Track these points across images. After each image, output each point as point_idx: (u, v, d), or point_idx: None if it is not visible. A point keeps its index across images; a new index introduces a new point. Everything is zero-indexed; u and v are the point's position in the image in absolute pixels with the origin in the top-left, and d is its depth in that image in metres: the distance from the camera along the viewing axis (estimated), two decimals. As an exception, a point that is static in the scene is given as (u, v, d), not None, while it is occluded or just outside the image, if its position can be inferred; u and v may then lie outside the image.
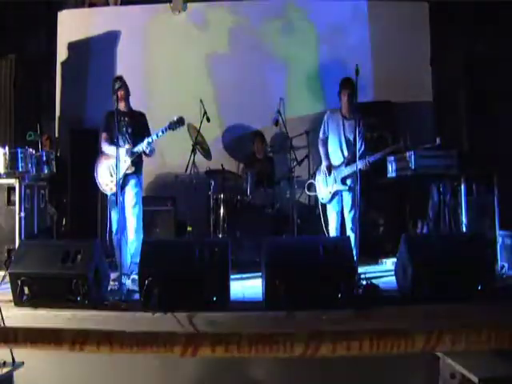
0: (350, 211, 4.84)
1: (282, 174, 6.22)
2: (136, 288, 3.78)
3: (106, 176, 4.69)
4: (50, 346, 2.02)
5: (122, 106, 4.67)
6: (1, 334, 2.14)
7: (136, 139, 4.69)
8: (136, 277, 4.06)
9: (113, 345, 1.95)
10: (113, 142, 4.64)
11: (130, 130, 4.73)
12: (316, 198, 5.76)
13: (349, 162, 4.83)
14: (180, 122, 4.62)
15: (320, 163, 5.18)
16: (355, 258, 3.95)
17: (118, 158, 4.22)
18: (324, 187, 5.03)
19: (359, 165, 4.49)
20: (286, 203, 6.01)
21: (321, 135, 5.11)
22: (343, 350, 1.88)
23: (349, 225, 4.88)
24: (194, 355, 1.92)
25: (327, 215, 5.07)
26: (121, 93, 4.60)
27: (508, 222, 4.76)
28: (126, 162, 4.60)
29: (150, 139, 4.61)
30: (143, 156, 4.80)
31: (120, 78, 4.74)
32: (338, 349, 1.89)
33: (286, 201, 6.08)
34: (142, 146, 4.62)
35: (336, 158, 4.98)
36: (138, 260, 4.36)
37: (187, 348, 1.91)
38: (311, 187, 5.36)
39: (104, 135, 4.78)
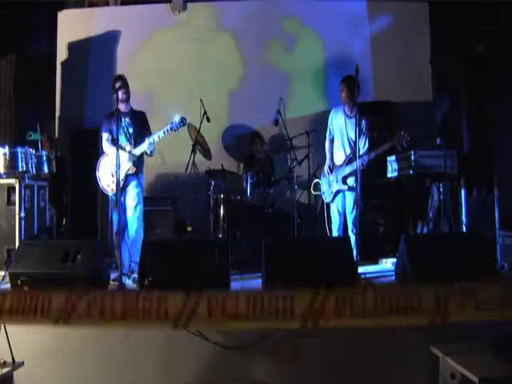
0: (352, 211, 4.84)
1: (282, 174, 6.21)
2: (135, 287, 3.78)
3: (107, 177, 4.69)
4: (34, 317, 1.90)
5: (122, 105, 4.67)
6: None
7: (137, 139, 4.70)
8: (136, 276, 4.07)
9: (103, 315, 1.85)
10: (114, 142, 4.66)
11: (130, 131, 4.74)
12: (316, 197, 5.77)
13: (350, 161, 4.84)
14: (181, 122, 4.61)
15: (324, 163, 5.21)
16: (355, 258, 3.95)
17: (118, 159, 4.22)
18: (327, 187, 5.06)
19: (358, 164, 4.50)
20: (286, 203, 6.00)
21: (327, 135, 5.14)
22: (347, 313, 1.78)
23: (350, 225, 4.89)
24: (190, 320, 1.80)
25: (330, 215, 5.09)
26: (121, 93, 4.60)
27: (508, 222, 4.76)
28: (127, 164, 4.61)
29: (151, 139, 4.61)
30: (144, 156, 4.81)
31: (121, 78, 4.73)
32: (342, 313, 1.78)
33: (286, 201, 6.08)
34: (143, 147, 4.63)
35: (339, 157, 5.01)
36: (138, 260, 4.39)
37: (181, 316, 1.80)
38: (316, 186, 5.37)
39: (105, 136, 4.79)
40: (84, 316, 1.77)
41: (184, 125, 4.66)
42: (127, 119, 4.76)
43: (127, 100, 4.76)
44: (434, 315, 1.79)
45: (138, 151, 4.65)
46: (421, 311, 1.78)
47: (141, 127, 4.78)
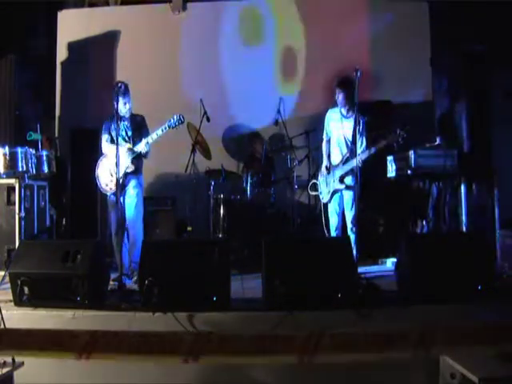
0: (350, 210, 4.84)
1: (282, 174, 6.21)
2: (136, 288, 3.78)
3: (105, 176, 4.70)
4: (53, 352, 2.03)
5: (122, 110, 4.67)
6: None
7: (135, 141, 4.72)
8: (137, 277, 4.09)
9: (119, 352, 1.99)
10: (113, 142, 4.66)
11: (129, 133, 4.76)
12: (316, 197, 5.77)
13: (346, 160, 4.85)
14: (180, 120, 4.63)
15: (322, 163, 5.21)
16: (355, 258, 3.95)
17: (118, 158, 4.22)
18: (324, 187, 5.06)
19: (354, 163, 4.50)
20: (286, 203, 6.00)
21: (324, 136, 5.14)
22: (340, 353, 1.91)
23: (349, 224, 4.89)
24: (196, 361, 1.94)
25: (328, 215, 5.08)
26: (121, 98, 4.58)
27: (508, 222, 4.75)
28: (125, 161, 4.60)
29: (149, 139, 4.63)
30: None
31: (121, 84, 4.67)
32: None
33: (286, 201, 6.08)
34: (140, 146, 4.64)
35: (336, 156, 5.01)
36: (137, 260, 4.38)
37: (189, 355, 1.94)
38: (314, 187, 5.37)
39: (105, 137, 4.82)
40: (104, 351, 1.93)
41: (182, 122, 4.68)
42: (126, 122, 4.78)
43: (127, 105, 4.74)
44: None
45: (135, 149, 4.65)
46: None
47: (139, 130, 4.80)
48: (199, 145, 5.88)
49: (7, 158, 4.86)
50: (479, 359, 2.79)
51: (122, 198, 4.59)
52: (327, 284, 3.47)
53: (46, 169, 5.29)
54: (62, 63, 7.06)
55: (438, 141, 5.23)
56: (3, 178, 4.96)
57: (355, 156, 4.54)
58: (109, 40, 6.98)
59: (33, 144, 5.46)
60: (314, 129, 6.05)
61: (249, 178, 5.61)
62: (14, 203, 4.88)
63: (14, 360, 2.93)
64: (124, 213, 4.66)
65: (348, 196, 4.88)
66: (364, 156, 4.68)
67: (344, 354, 1.89)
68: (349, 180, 4.83)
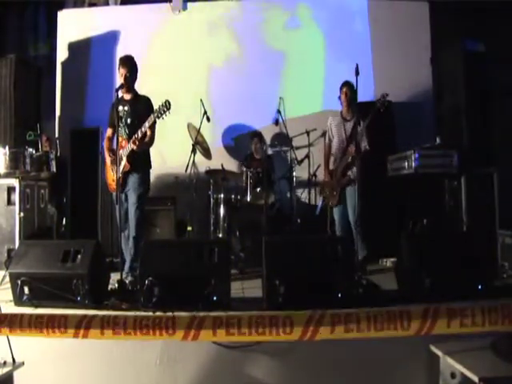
0: (353, 210, 4.82)
1: (281, 174, 6.21)
2: (136, 288, 3.78)
3: (109, 174, 4.67)
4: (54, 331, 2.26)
5: (124, 91, 4.51)
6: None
7: (135, 130, 4.40)
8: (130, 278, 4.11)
9: (115, 329, 2.29)
10: (111, 139, 4.62)
11: (129, 121, 4.50)
12: (316, 197, 5.78)
13: (344, 153, 4.91)
14: (165, 107, 4.24)
15: (323, 167, 5.24)
16: (355, 257, 3.95)
17: (117, 155, 4.16)
18: (330, 190, 5.10)
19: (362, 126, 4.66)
20: (286, 203, 6.00)
21: (326, 140, 5.20)
22: (341, 331, 2.15)
23: (352, 224, 4.90)
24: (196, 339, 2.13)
25: (333, 217, 5.11)
26: (121, 83, 4.44)
27: (508, 222, 4.75)
28: (122, 161, 4.41)
29: (136, 135, 4.34)
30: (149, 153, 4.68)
31: (121, 61, 4.53)
32: (336, 330, 2.16)
33: (286, 201, 6.08)
34: (130, 146, 4.42)
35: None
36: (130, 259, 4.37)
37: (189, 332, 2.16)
38: (321, 191, 5.40)
39: (108, 132, 4.70)
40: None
41: (168, 109, 4.24)
42: (126, 108, 4.52)
43: (130, 85, 4.51)
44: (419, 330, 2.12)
45: (124, 153, 4.43)
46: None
47: (141, 116, 4.43)
48: (199, 145, 5.88)
49: (7, 157, 4.86)
50: (479, 359, 2.79)
51: (124, 196, 4.53)
52: (327, 284, 3.47)
53: (45, 169, 5.29)
54: (62, 63, 7.06)
55: (437, 141, 5.23)
56: (3, 177, 4.96)
57: (362, 155, 4.64)
58: (109, 40, 6.98)
59: (33, 144, 5.46)
60: (314, 129, 6.06)
61: (248, 178, 5.59)
62: (14, 203, 4.89)
63: (14, 360, 2.93)
64: (126, 211, 4.55)
65: (350, 197, 4.89)
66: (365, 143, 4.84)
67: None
68: (351, 173, 4.90)
